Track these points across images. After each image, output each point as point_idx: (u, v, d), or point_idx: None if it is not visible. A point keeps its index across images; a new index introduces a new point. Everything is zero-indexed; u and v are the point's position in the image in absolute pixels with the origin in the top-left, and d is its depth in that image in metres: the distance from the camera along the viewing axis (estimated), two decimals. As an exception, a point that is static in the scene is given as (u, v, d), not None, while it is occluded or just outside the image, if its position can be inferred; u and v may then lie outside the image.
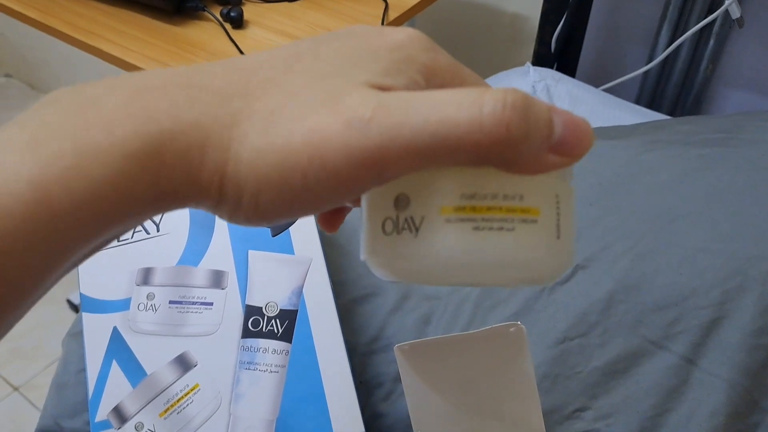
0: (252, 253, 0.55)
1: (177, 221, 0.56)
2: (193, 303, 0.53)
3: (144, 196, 0.23)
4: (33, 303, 0.25)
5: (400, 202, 0.26)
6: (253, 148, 0.23)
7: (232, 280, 0.54)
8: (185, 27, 1.09)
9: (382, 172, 0.23)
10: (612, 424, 0.58)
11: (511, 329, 0.50)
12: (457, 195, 0.25)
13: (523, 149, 0.23)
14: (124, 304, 0.53)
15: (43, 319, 1.76)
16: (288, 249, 0.55)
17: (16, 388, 1.62)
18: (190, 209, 0.52)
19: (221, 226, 0.55)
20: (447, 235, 0.25)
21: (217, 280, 0.53)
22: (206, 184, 0.24)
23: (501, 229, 0.25)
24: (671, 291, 0.62)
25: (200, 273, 0.54)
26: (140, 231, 0.55)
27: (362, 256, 0.28)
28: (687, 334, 0.60)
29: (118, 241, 0.55)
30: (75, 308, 1.78)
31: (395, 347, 0.52)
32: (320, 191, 0.23)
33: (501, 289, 0.65)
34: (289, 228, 0.56)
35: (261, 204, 0.24)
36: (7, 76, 2.56)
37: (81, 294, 0.53)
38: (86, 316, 0.53)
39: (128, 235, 0.55)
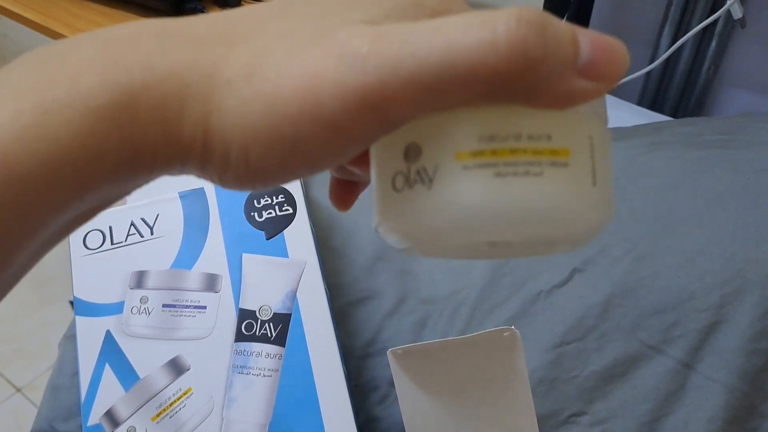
0: (246, 257, 0.54)
1: (172, 224, 0.55)
2: (187, 306, 0.52)
3: (117, 155, 0.20)
4: (11, 280, 0.23)
5: (411, 152, 0.22)
6: (238, 96, 0.21)
7: (225, 284, 0.53)
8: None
9: (385, 113, 0.20)
10: (609, 428, 0.57)
11: (505, 334, 0.49)
12: (474, 138, 0.21)
13: (545, 71, 0.19)
14: (117, 308, 0.52)
15: (46, 320, 1.77)
16: (282, 252, 0.55)
17: (18, 389, 1.62)
18: (184, 211, 0.51)
19: (215, 229, 0.55)
20: (465, 185, 0.21)
21: (211, 283, 0.53)
22: (188, 140, 0.21)
23: (527, 174, 0.21)
24: (669, 294, 0.61)
25: (194, 276, 0.53)
26: (134, 234, 0.55)
27: (374, 224, 0.25)
28: (685, 338, 0.59)
29: (112, 243, 0.54)
30: (77, 309, 1.78)
31: (388, 351, 0.52)
32: (315, 142, 0.20)
33: (497, 292, 0.65)
34: (284, 231, 0.55)
35: (252, 160, 0.21)
36: (11, 76, 2.57)
37: (74, 297, 0.53)
38: (79, 320, 0.53)
39: (122, 237, 0.55)
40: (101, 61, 0.21)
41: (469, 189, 0.21)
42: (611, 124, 0.85)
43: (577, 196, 0.22)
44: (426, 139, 0.22)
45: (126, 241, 0.55)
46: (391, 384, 0.60)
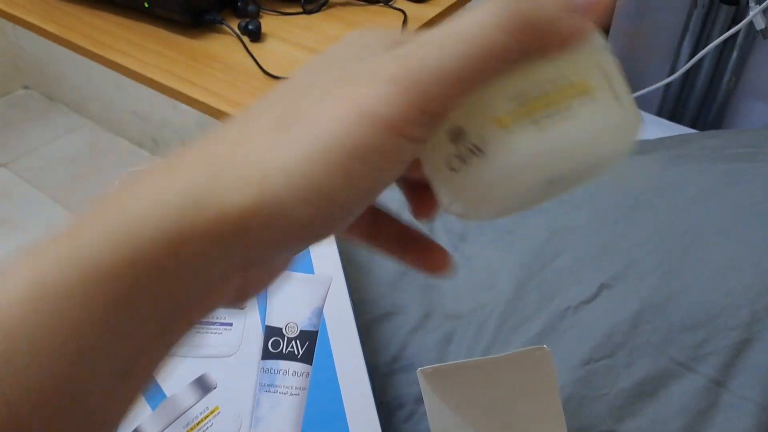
0: None
1: None
2: (213, 324, 0.51)
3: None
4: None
5: (454, 134, 0.25)
6: (280, 153, 0.22)
7: (251, 301, 0.53)
8: (203, 40, 1.09)
9: (430, 109, 0.23)
10: (639, 447, 0.56)
11: (537, 353, 0.49)
12: (507, 101, 0.24)
13: (546, 26, 0.23)
14: None
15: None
16: (308, 268, 0.54)
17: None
18: None
19: None
20: (515, 143, 0.24)
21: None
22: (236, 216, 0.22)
23: (560, 116, 0.24)
24: (699, 310, 0.61)
25: None
26: None
27: (444, 208, 0.28)
28: (716, 355, 0.58)
29: None
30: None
31: (418, 371, 0.51)
32: (379, 151, 0.22)
33: (524, 307, 0.64)
34: (309, 247, 0.55)
35: (324, 189, 0.22)
36: (26, 87, 2.58)
37: None
38: None
39: None
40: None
41: (521, 145, 0.24)
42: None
43: (611, 114, 0.25)
44: (464, 120, 0.25)
45: None
46: (418, 401, 0.59)
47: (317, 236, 0.24)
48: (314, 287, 0.54)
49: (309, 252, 0.55)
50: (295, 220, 0.22)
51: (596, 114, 0.25)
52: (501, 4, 0.23)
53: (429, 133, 0.24)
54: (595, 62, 0.25)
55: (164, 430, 0.48)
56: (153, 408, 0.49)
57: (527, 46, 0.23)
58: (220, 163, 0.23)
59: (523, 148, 0.24)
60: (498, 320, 0.64)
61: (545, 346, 0.48)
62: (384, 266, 0.67)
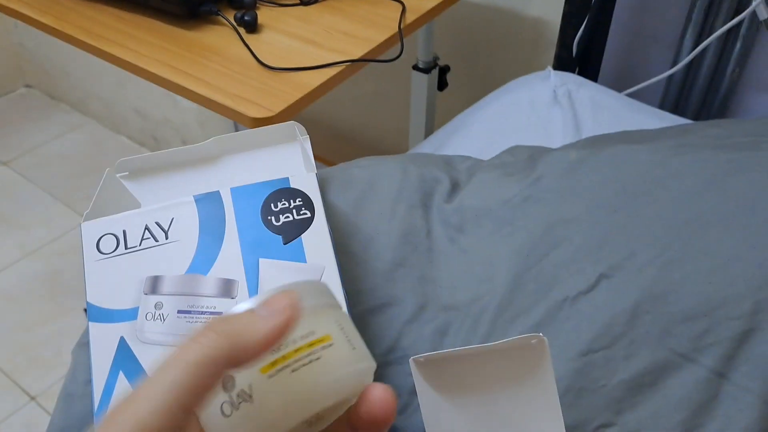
0: (263, 262, 0.52)
1: (187, 228, 0.54)
2: (202, 313, 0.51)
3: None
4: None
5: (227, 383, 0.30)
6: None
7: (242, 289, 0.52)
8: (199, 32, 1.08)
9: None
10: (639, 440, 0.55)
11: (533, 341, 0.48)
12: (269, 353, 0.30)
13: (241, 345, 0.29)
14: (131, 314, 0.51)
15: (62, 329, 1.76)
16: (300, 257, 0.53)
17: (33, 398, 1.61)
18: (199, 215, 0.49)
19: (232, 233, 0.53)
20: (277, 386, 0.30)
21: (227, 289, 0.52)
22: None
23: (311, 361, 0.30)
24: (700, 301, 0.59)
25: (209, 282, 0.52)
26: (149, 238, 0.53)
27: None
28: (717, 346, 0.57)
29: (126, 248, 0.53)
30: (92, 317, 1.77)
31: (411, 359, 0.50)
32: None
33: (521, 299, 0.63)
34: (302, 235, 0.54)
35: None
36: (27, 86, 2.58)
37: (88, 303, 0.52)
38: (93, 326, 0.51)
39: (136, 242, 0.53)
40: None
41: (281, 387, 0.30)
42: (635, 128, 0.84)
43: (348, 360, 0.32)
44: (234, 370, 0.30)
45: (140, 245, 0.53)
46: (412, 393, 0.58)
47: None
48: (306, 276, 0.52)
49: (301, 241, 0.53)
50: None
51: (338, 357, 0.31)
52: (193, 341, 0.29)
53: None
54: (333, 318, 0.32)
55: None
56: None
57: (232, 360, 0.29)
58: None
59: (286, 390, 0.30)
60: (495, 312, 0.62)
61: (541, 334, 0.47)
62: (379, 257, 0.66)
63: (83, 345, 0.67)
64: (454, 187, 0.74)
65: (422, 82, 1.39)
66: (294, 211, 0.55)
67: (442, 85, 1.43)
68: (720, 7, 1.06)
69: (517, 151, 0.81)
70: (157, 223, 0.53)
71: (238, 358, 0.29)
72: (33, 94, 2.57)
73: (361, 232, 0.68)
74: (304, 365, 0.30)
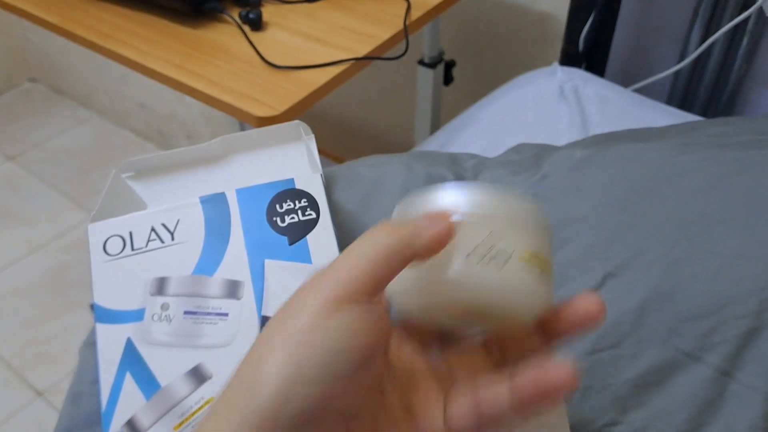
0: (269, 263, 0.53)
1: (193, 229, 0.54)
2: (208, 314, 0.51)
3: None
4: None
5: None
6: None
7: (248, 290, 0.52)
8: (204, 29, 1.08)
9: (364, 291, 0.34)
10: (645, 439, 0.55)
11: None
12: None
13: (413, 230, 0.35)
14: (138, 315, 0.51)
15: (68, 325, 1.77)
16: (305, 258, 0.53)
17: (40, 393, 1.62)
18: (205, 216, 0.50)
19: (237, 234, 0.54)
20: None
21: (233, 290, 0.52)
22: None
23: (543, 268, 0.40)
24: (707, 300, 0.59)
25: (215, 283, 0.52)
26: (155, 240, 0.53)
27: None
28: (723, 344, 0.57)
29: (133, 249, 0.53)
30: (98, 313, 1.78)
31: None
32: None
33: None
34: (307, 236, 0.54)
35: None
36: (32, 80, 2.58)
37: (95, 304, 0.52)
38: (100, 327, 0.52)
39: (143, 243, 0.54)
40: None
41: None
42: (641, 125, 0.83)
43: (543, 289, 0.39)
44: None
45: (146, 246, 0.53)
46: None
47: (334, 409, 0.33)
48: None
49: (306, 241, 0.53)
50: (302, 407, 0.31)
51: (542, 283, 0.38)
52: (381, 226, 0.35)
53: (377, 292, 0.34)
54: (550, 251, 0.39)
55: (158, 420, 0.48)
56: (148, 398, 0.49)
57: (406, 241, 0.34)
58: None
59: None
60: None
61: None
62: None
63: (90, 344, 0.67)
64: (460, 186, 0.74)
65: (428, 77, 1.39)
66: (299, 212, 0.55)
67: (447, 79, 1.43)
68: (727, 3, 1.06)
69: (523, 149, 0.81)
70: (164, 225, 0.53)
71: (411, 254, 0.34)
72: (38, 88, 2.57)
73: (365, 231, 0.68)
74: (531, 268, 0.37)
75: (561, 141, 0.85)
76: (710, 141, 0.73)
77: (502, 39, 1.45)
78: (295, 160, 0.65)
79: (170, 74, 0.98)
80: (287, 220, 0.54)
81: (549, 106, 1.05)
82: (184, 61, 1.01)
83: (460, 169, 0.77)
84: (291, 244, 0.53)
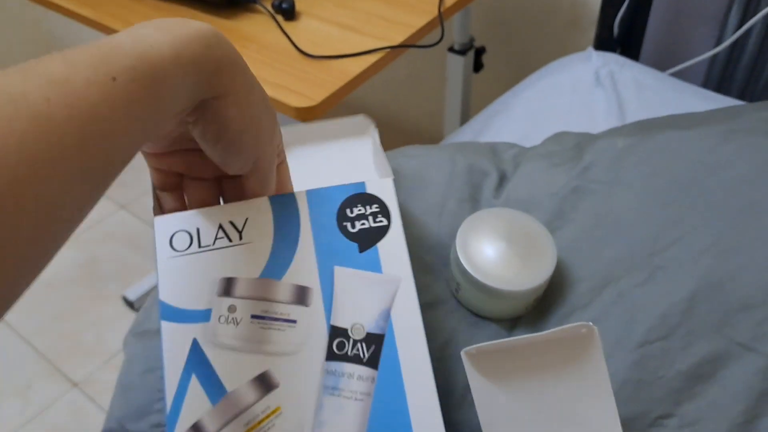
0: (338, 270, 0.50)
1: (261, 229, 0.52)
2: (276, 319, 0.49)
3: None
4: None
5: None
6: None
7: (316, 298, 0.50)
8: (237, 20, 1.08)
9: None
10: (699, 431, 0.55)
11: (583, 330, 0.47)
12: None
13: None
14: (204, 315, 0.49)
15: (101, 315, 1.79)
16: (376, 267, 0.51)
17: (75, 384, 1.64)
18: (274, 216, 0.52)
19: (306, 238, 0.51)
20: None
21: (302, 296, 0.50)
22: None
23: None
24: (758, 289, 0.59)
25: (284, 287, 0.50)
26: (222, 238, 0.51)
27: None
28: (777, 334, 0.57)
29: (200, 246, 0.51)
30: (130, 305, 1.80)
31: (462, 352, 0.50)
32: None
33: (576, 296, 0.62)
34: (378, 244, 0.52)
35: None
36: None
37: (160, 301, 0.50)
38: (165, 325, 0.50)
39: (210, 240, 0.51)
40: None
41: None
42: (679, 110, 0.82)
43: None
44: None
45: (214, 244, 0.51)
46: (467, 387, 0.58)
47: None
48: (383, 288, 0.51)
49: (377, 249, 0.51)
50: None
51: None
52: None
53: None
54: None
55: (224, 426, 0.47)
56: (213, 403, 0.48)
57: None
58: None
59: None
60: (550, 309, 0.62)
61: (591, 323, 0.47)
62: (430, 253, 0.66)
63: (137, 335, 0.67)
64: (502, 180, 0.74)
65: (458, 64, 1.38)
66: (370, 217, 0.52)
67: (477, 66, 1.42)
68: (766, -16, 1.04)
69: (563, 138, 0.80)
70: (231, 223, 0.52)
71: None
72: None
73: (411, 226, 0.67)
74: None
75: (598, 128, 0.84)
76: (754, 127, 0.72)
77: (533, 25, 1.43)
78: (361, 157, 0.64)
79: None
80: (358, 225, 0.52)
81: (585, 92, 1.04)
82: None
83: (500, 161, 0.76)
84: (361, 251, 0.51)
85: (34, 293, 1.83)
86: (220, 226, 0.51)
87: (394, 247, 0.51)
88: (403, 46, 1.01)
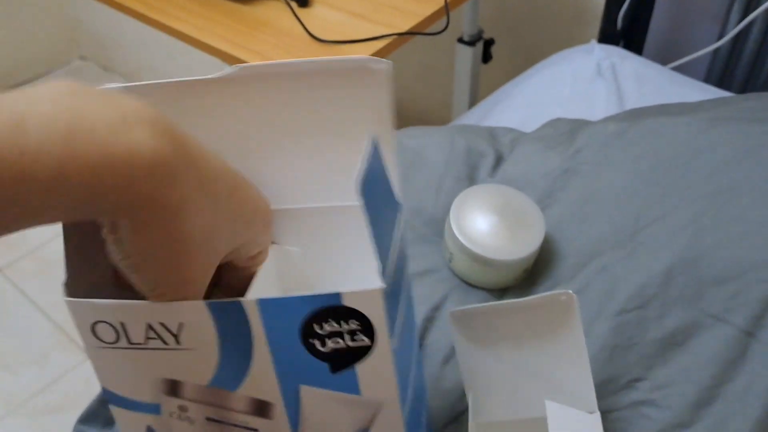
0: (305, 389, 0.42)
1: (201, 338, 0.41)
2: (236, 425, 0.43)
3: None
4: None
5: None
6: None
7: (280, 413, 0.43)
8: (252, 6, 1.12)
9: None
10: (668, 394, 0.58)
11: (562, 297, 0.50)
12: None
13: None
14: (154, 408, 0.43)
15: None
16: (352, 388, 0.41)
17: (90, 356, 1.69)
18: (217, 326, 0.41)
19: (262, 352, 0.41)
20: None
21: (262, 409, 0.43)
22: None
23: None
24: (732, 264, 0.62)
25: (241, 399, 0.43)
26: (155, 338, 0.41)
27: None
28: (747, 306, 0.60)
29: (130, 343, 0.42)
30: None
31: (448, 312, 0.54)
32: None
33: (562, 269, 0.66)
34: (356, 365, 0.41)
35: None
36: (82, 58, 2.64)
37: (102, 387, 0.44)
38: (116, 410, 0.44)
39: (140, 338, 0.42)
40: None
41: None
42: (676, 101, 0.84)
43: None
44: None
45: (146, 344, 0.41)
46: (453, 347, 0.62)
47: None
48: (361, 407, 0.43)
49: (354, 371, 0.41)
50: None
51: None
52: None
53: None
54: None
55: None
56: None
57: None
58: None
59: None
60: (536, 282, 0.66)
61: (570, 291, 0.50)
62: (425, 227, 0.69)
63: (84, 421, 0.66)
64: (498, 160, 0.78)
65: (467, 55, 1.41)
66: (347, 336, 0.40)
67: (486, 58, 1.45)
68: (766, -20, 1.06)
69: (558, 123, 0.84)
70: (163, 325, 0.41)
71: None
72: (88, 66, 2.64)
73: (409, 200, 0.71)
74: None
75: (597, 117, 0.87)
76: (740, 115, 0.75)
77: (541, 17, 1.46)
78: (360, 117, 0.45)
79: (223, 48, 1.03)
80: (329, 344, 0.40)
81: (586, 82, 1.07)
82: (234, 36, 1.05)
83: (498, 144, 0.80)
84: (334, 372, 0.41)
85: (52, 269, 1.88)
86: (150, 326, 0.41)
87: (377, 369, 0.40)
88: (410, 33, 1.05)
